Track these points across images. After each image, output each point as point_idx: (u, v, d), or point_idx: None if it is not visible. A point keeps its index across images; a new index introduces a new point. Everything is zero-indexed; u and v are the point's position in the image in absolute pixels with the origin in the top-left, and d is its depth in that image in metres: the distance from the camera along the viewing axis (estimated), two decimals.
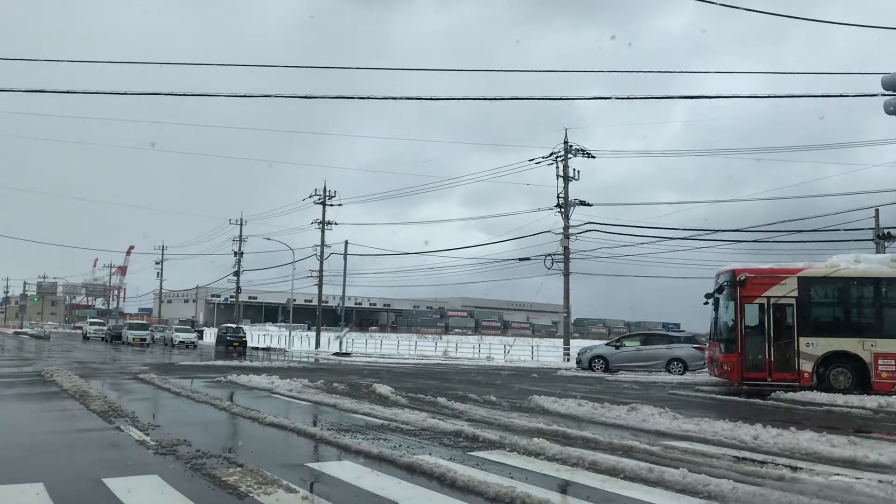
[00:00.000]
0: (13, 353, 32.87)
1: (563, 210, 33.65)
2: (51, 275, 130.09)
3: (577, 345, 32.63)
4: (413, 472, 6.96)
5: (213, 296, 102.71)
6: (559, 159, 33.80)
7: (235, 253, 59.59)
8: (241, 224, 59.11)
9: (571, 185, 33.77)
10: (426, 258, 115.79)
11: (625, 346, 26.28)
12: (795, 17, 14.04)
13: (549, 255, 33.81)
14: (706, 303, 19.26)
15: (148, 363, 25.36)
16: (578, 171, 34.03)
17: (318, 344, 46.62)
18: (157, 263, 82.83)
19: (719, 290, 18.66)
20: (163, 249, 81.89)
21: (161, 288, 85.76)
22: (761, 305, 17.66)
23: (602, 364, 25.31)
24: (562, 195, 33.67)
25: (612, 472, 6.99)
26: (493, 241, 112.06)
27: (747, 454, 8.24)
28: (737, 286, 17.86)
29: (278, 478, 6.47)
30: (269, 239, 53.72)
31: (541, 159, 34.35)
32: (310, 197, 47.23)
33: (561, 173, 33.74)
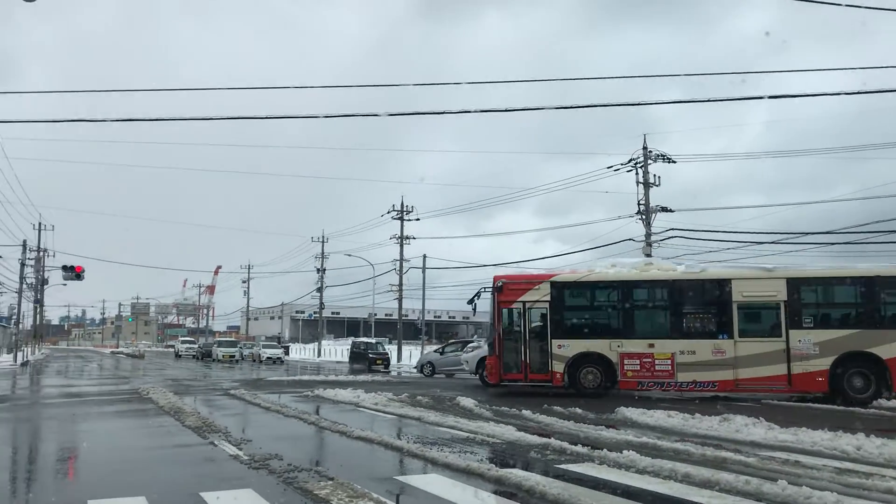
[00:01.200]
0: (111, 372, 34.27)
1: (643, 217, 33.06)
2: (143, 296, 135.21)
3: None
4: (501, 485, 6.92)
5: (297, 312, 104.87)
6: (638, 165, 33.24)
7: (318, 270, 60.76)
8: (323, 241, 60.27)
9: (651, 191, 33.19)
10: (503, 270, 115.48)
11: (446, 351, 29.47)
12: (879, 9, 13.48)
13: None
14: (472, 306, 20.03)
15: (237, 379, 26.04)
16: (659, 177, 33.41)
17: (399, 357, 47.02)
18: (244, 282, 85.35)
19: (476, 295, 19.63)
20: (249, 268, 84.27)
21: (248, 305, 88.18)
22: (518, 310, 18.48)
23: (430, 368, 28.49)
24: (642, 202, 33.11)
25: (707, 484, 6.79)
26: (571, 252, 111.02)
27: (850, 465, 7.88)
28: (495, 292, 18.74)
29: (368, 491, 6.54)
30: (349, 255, 54.58)
31: (619, 166, 33.84)
32: (388, 213, 47.86)
33: (641, 179, 33.16)
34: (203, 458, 8.76)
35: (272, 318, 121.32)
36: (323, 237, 60.38)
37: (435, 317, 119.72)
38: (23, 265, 55.38)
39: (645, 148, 33.37)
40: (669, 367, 17.22)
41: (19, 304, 62.03)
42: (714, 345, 17.09)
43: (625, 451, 8.31)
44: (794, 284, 17.04)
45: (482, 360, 22.01)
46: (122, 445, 10.33)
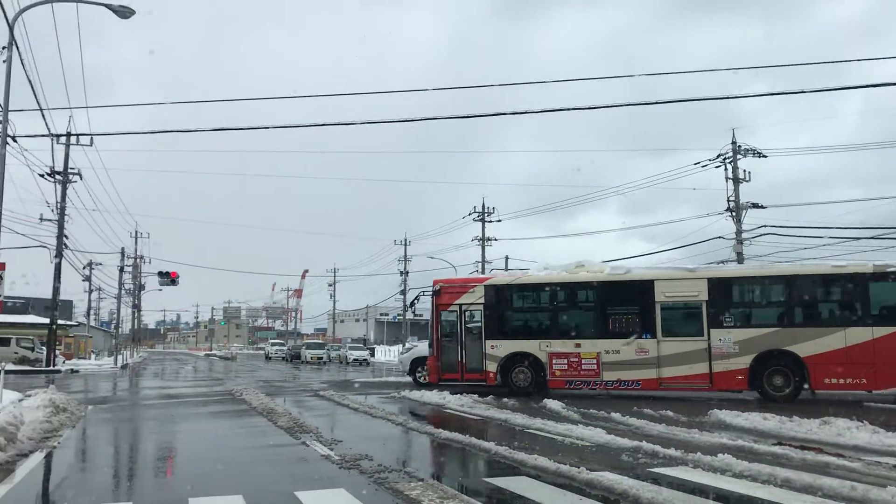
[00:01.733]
0: (205, 374, 35.46)
1: (734, 214, 32.15)
2: (234, 300, 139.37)
3: None
4: (593, 487, 6.81)
5: (381, 314, 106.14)
6: (727, 161, 32.35)
7: (401, 272, 61.44)
8: (406, 244, 60.91)
9: (741, 186, 32.22)
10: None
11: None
12: None
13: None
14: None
15: (326, 381, 26.54)
16: (749, 173, 32.43)
17: None
18: (330, 285, 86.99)
19: (416, 298, 21.05)
20: (334, 272, 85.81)
21: (334, 308, 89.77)
22: (455, 312, 19.32)
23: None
24: (732, 198, 32.19)
25: (809, 489, 6.53)
26: (657, 251, 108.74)
27: None
28: (434, 295, 19.70)
29: (458, 492, 6.55)
30: (432, 257, 55.22)
31: (707, 162, 33.04)
32: (469, 214, 47.98)
33: (730, 175, 32.27)
34: (295, 458, 8.95)
35: (357, 320, 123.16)
36: (405, 240, 61.12)
37: None
38: (121, 271, 57.94)
39: (734, 142, 32.48)
40: (595, 367, 17.77)
41: (118, 309, 64.95)
42: (638, 344, 17.53)
43: (720, 455, 8.07)
44: (715, 284, 17.34)
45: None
46: (217, 445, 10.66)
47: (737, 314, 17.20)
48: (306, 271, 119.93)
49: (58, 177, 35.66)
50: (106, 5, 17.04)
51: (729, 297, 17.32)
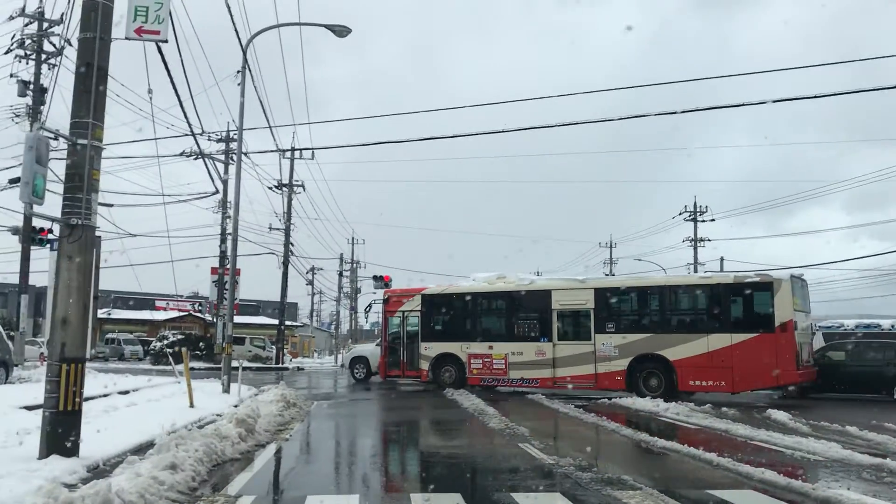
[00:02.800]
0: None
1: None
2: None
3: None
4: None
5: None
6: None
7: (606, 276, 60.30)
8: (611, 247, 59.78)
9: None
10: (811, 272, 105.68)
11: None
12: None
13: None
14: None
15: None
16: None
17: None
18: None
19: (368, 306, 25.09)
20: (538, 275, 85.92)
21: None
22: (398, 318, 22.42)
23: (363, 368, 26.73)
24: None
25: None
26: (892, 250, 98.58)
27: None
28: (383, 303, 23.02)
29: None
30: (639, 259, 53.62)
31: None
32: (679, 214, 46.12)
33: None
34: (509, 459, 8.99)
35: None
36: (611, 242, 59.94)
37: None
38: (340, 275, 61.60)
39: None
40: (503, 366, 20.18)
41: (338, 312, 69.19)
42: (537, 347, 19.77)
43: None
44: (600, 293, 19.24)
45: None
46: (432, 443, 10.99)
47: (617, 321, 19.00)
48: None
49: (284, 189, 38.64)
50: (325, 26, 18.20)
51: (611, 306, 19.20)
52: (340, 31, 18.09)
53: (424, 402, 18.19)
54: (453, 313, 22.04)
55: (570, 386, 19.26)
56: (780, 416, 13.45)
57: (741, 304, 17.83)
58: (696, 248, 45.25)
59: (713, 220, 45.23)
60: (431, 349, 21.50)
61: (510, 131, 20.29)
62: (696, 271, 45.33)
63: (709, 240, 45.46)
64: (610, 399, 18.03)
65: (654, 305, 18.95)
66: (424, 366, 21.48)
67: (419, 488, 7.10)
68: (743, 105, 17.83)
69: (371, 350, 26.54)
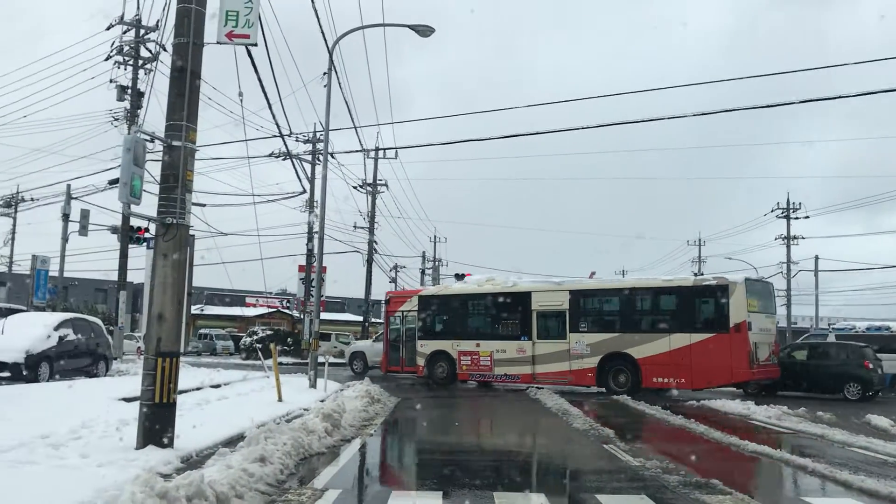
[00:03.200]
0: None
1: None
2: None
3: None
4: None
5: None
6: None
7: (695, 274, 58.77)
8: (700, 245, 58.28)
9: None
10: None
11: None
12: None
13: None
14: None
15: None
16: None
17: None
18: None
19: (371, 307, 23.95)
20: (623, 274, 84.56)
21: None
22: (398, 317, 23.69)
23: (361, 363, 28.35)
24: None
25: None
26: None
27: None
28: (385, 304, 24.76)
29: None
30: (729, 258, 51.98)
31: None
32: (771, 211, 44.57)
33: None
34: (593, 459, 8.89)
35: None
36: (699, 240, 58.42)
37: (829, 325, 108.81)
38: (423, 273, 62.08)
39: None
40: (489, 363, 21.35)
41: None
42: (519, 345, 20.88)
43: None
44: (574, 295, 20.46)
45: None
46: (516, 442, 10.95)
47: (588, 321, 20.12)
48: (594, 273, 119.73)
49: (368, 188, 39.18)
50: (409, 26, 18.31)
51: (583, 307, 20.36)
52: (424, 31, 18.15)
53: (507, 402, 18.15)
54: (445, 313, 23.41)
55: (548, 382, 20.26)
56: (882, 421, 12.84)
57: (699, 305, 18.93)
58: (788, 247, 43.70)
59: (807, 217, 43.55)
60: (426, 346, 22.66)
61: (591, 127, 20.01)
62: (788, 271, 43.82)
63: (802, 237, 43.80)
64: (699, 401, 17.57)
65: (622, 307, 20.03)
66: (420, 362, 22.64)
67: (502, 487, 7.06)
68: (840, 97, 17.09)
69: (368, 346, 28.59)
